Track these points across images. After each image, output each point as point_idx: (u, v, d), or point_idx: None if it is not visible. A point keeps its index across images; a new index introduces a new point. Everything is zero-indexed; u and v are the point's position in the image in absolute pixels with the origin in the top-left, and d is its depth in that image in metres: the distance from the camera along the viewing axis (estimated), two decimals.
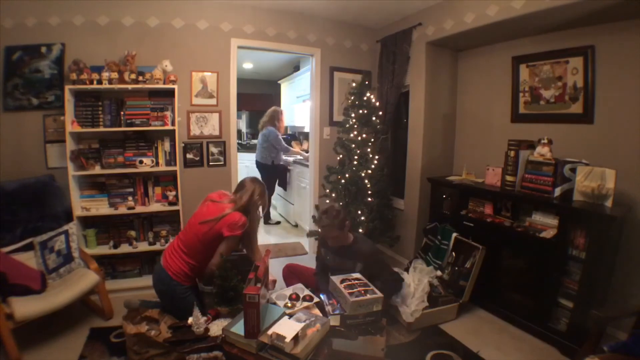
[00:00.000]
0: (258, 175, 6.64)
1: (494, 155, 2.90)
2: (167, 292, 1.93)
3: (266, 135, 4.50)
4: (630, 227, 2.21)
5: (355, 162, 3.20)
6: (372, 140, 3.25)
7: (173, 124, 2.89)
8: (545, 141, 2.38)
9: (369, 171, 3.18)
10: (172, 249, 2.00)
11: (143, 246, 2.93)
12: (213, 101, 3.26)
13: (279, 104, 6.75)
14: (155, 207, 2.98)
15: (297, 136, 6.38)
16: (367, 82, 3.32)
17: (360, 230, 3.15)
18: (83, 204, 2.80)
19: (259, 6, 3.30)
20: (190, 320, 1.68)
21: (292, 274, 2.45)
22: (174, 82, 2.88)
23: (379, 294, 1.78)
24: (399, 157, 3.76)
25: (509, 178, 2.59)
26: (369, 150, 3.20)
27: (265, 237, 4.41)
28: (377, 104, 3.34)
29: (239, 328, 1.47)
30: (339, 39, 3.73)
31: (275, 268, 2.66)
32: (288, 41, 3.51)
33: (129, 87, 2.75)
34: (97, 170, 2.81)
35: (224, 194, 2.12)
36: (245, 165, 6.41)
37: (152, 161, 2.93)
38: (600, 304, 2.15)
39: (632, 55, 2.20)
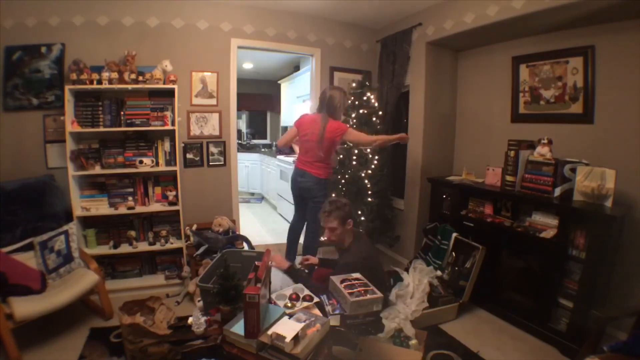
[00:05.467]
0: (257, 176, 6.62)
1: (494, 155, 2.90)
2: None
3: None
4: (630, 227, 2.21)
5: (354, 162, 3.20)
6: None
7: (173, 124, 2.89)
8: (545, 141, 2.38)
9: (369, 171, 3.19)
10: None
11: (143, 246, 2.93)
12: (213, 101, 3.26)
13: (279, 104, 6.77)
14: (155, 207, 2.98)
15: None
16: (367, 83, 3.32)
17: (360, 231, 3.15)
18: (83, 204, 2.80)
19: (259, 6, 3.30)
20: (190, 320, 1.68)
21: None
22: (174, 82, 2.88)
23: (379, 294, 1.78)
24: (399, 157, 3.76)
25: (509, 178, 2.59)
26: (368, 150, 3.20)
27: (264, 237, 4.41)
28: (377, 104, 3.34)
29: (239, 328, 1.47)
30: (339, 39, 3.73)
31: (275, 269, 2.65)
32: (288, 41, 3.51)
33: (129, 87, 2.75)
34: (97, 170, 2.81)
35: None
36: (245, 165, 6.42)
37: (152, 161, 2.93)
38: (600, 304, 2.15)
39: (632, 55, 2.20)
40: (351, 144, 3.21)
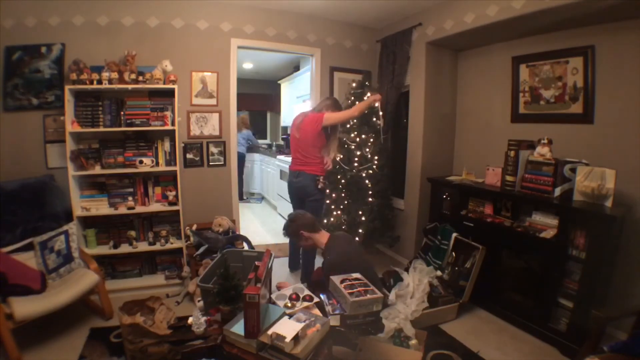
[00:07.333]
0: (257, 176, 6.65)
1: (494, 155, 2.90)
2: None
3: (247, 135, 6.25)
4: (630, 227, 2.21)
5: (355, 163, 3.20)
6: (372, 140, 3.25)
7: (173, 124, 2.89)
8: (545, 141, 2.38)
9: (370, 171, 3.19)
10: None
11: (143, 246, 2.93)
12: (213, 101, 3.26)
13: (279, 104, 6.77)
14: (155, 207, 2.98)
15: None
16: (367, 83, 3.32)
17: (360, 231, 3.15)
18: (83, 204, 2.80)
19: (259, 6, 3.30)
20: (190, 320, 1.68)
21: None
22: (174, 82, 2.88)
23: (379, 294, 1.78)
24: (399, 157, 3.76)
25: (509, 178, 2.59)
26: (369, 150, 3.20)
27: (264, 237, 4.41)
28: (377, 104, 3.34)
29: (239, 328, 1.47)
30: (339, 39, 3.73)
31: (275, 268, 2.65)
32: (288, 41, 3.51)
33: (129, 87, 2.75)
34: (97, 170, 2.81)
35: None
36: (245, 166, 6.42)
37: (152, 161, 2.93)
38: (600, 304, 2.15)
39: (632, 55, 2.20)
40: (354, 144, 3.21)
